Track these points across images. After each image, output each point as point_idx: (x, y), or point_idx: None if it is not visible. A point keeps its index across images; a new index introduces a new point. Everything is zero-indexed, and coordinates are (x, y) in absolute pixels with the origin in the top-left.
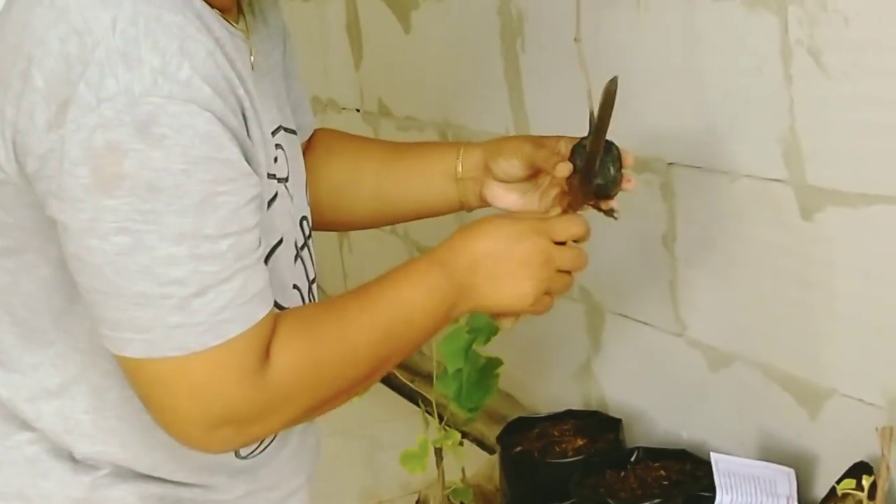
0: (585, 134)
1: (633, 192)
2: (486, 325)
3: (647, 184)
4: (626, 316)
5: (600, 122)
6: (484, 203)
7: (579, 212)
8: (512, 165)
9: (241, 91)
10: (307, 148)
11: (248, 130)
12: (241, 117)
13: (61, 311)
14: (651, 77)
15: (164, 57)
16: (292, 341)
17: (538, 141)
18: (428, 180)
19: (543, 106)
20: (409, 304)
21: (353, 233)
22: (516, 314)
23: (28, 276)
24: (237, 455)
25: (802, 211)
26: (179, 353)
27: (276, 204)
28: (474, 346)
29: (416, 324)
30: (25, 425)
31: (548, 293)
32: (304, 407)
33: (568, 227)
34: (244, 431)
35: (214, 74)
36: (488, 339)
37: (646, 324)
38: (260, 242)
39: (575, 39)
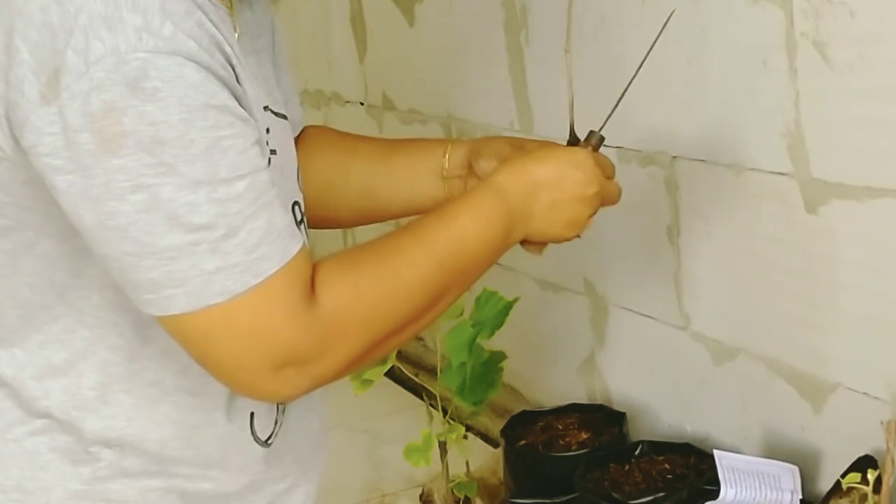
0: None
1: (637, 185)
2: (491, 318)
3: (651, 177)
4: (630, 309)
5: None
6: None
7: None
8: (491, 166)
9: (227, 49)
10: (297, 144)
11: (241, 86)
12: (231, 72)
13: (66, 285)
14: (655, 70)
15: (146, 16)
16: (339, 275)
17: (519, 143)
18: (415, 178)
19: (547, 99)
20: (464, 232)
21: (357, 228)
22: (563, 240)
23: (29, 253)
24: (257, 440)
25: (807, 204)
26: (222, 299)
27: (269, 170)
28: (478, 340)
29: (473, 253)
30: (31, 410)
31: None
32: (363, 342)
33: (609, 162)
34: (307, 371)
35: (197, 32)
36: (492, 333)
37: (650, 317)
38: (273, 181)
39: (565, 51)
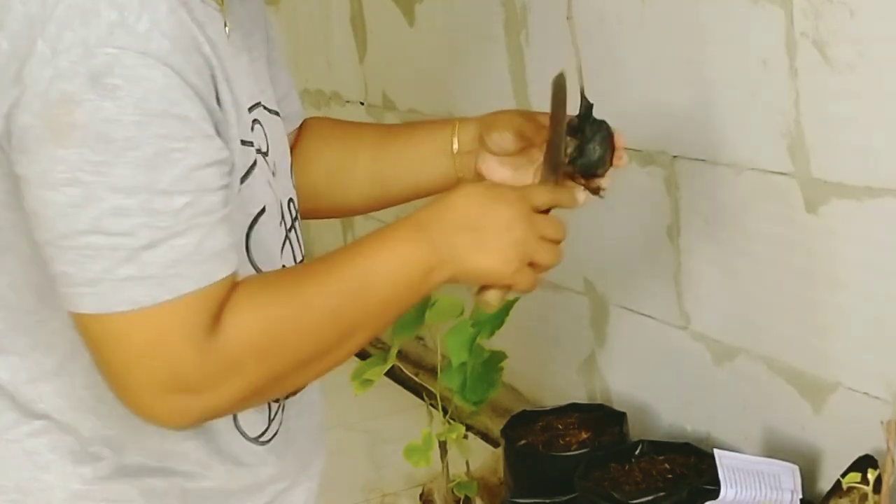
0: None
1: (637, 185)
2: (491, 318)
3: (651, 177)
4: (630, 309)
5: (553, 117)
6: (479, 177)
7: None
8: (504, 138)
9: (207, 50)
10: (299, 136)
11: (216, 91)
12: (207, 76)
13: (44, 287)
14: (655, 70)
15: (123, 11)
16: (245, 305)
17: (530, 115)
18: (423, 159)
19: (548, 99)
20: (379, 268)
21: (357, 222)
22: (500, 284)
23: (10, 254)
24: (247, 437)
25: (807, 204)
26: (128, 308)
27: (255, 172)
28: (479, 340)
29: (388, 290)
30: (29, 412)
31: (532, 265)
32: (261, 376)
33: (545, 193)
34: (199, 401)
35: (176, 30)
36: (493, 333)
37: (650, 317)
38: (226, 204)
39: (567, 18)
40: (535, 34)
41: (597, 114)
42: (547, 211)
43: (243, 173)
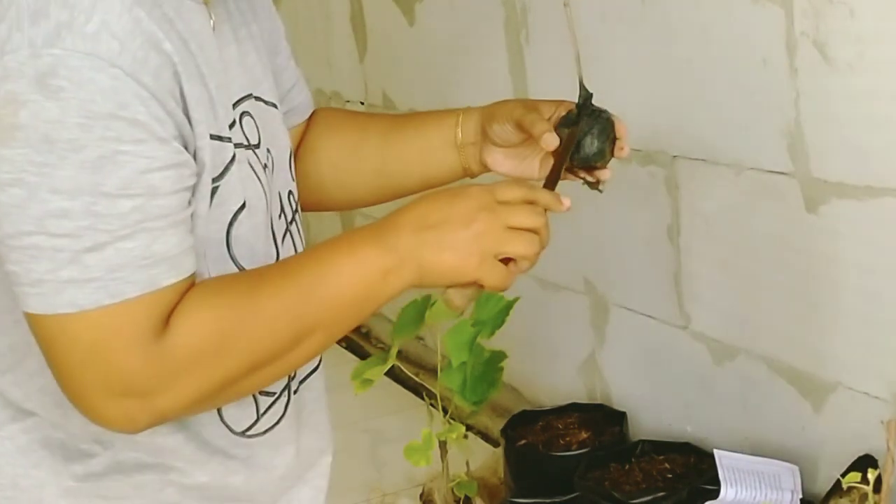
0: (577, 101)
1: (637, 185)
2: (491, 318)
3: (651, 177)
4: (630, 309)
5: (568, 142)
6: (485, 169)
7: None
8: (505, 130)
9: (168, 47)
10: (308, 127)
11: (181, 89)
12: (168, 75)
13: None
14: (656, 70)
15: (73, 11)
16: (196, 307)
17: (531, 104)
18: (429, 151)
19: (548, 98)
20: (334, 271)
21: (357, 222)
22: (465, 282)
23: None
24: (233, 432)
25: (807, 204)
26: (71, 310)
27: (233, 169)
28: (479, 340)
29: (343, 292)
30: (18, 410)
31: (506, 259)
32: (213, 378)
33: (514, 189)
34: (148, 405)
35: (130, 30)
36: (493, 333)
37: (650, 317)
38: (183, 208)
39: (564, 4)
40: (535, 34)
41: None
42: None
43: (219, 171)
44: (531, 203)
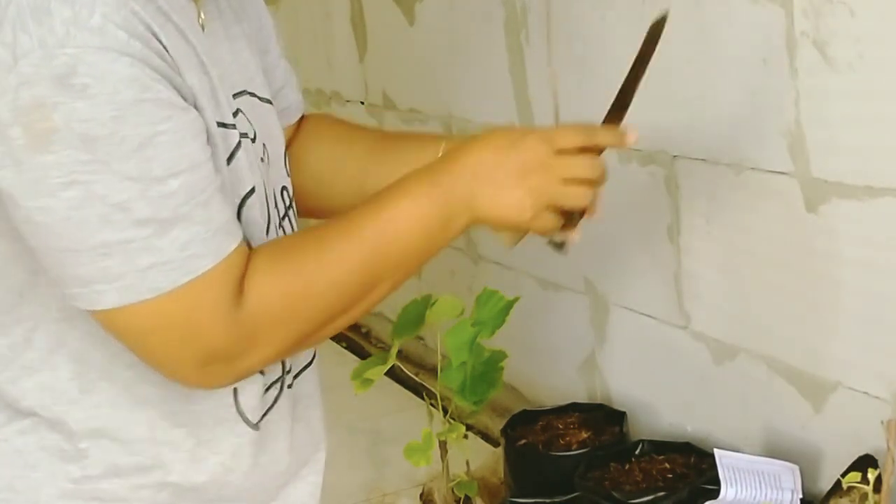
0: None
1: (638, 185)
2: (491, 318)
3: (651, 176)
4: (630, 308)
5: (641, 55)
6: None
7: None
8: None
9: (163, 38)
10: (297, 132)
11: (182, 79)
12: (169, 59)
13: (25, 283)
14: (656, 69)
15: (74, 7)
16: (266, 271)
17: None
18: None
19: (548, 98)
20: (397, 219)
21: None
22: (517, 228)
23: None
24: (245, 419)
25: (807, 203)
26: (153, 295)
27: (240, 154)
28: (479, 339)
29: (408, 240)
30: (15, 411)
31: (552, 208)
32: (291, 335)
33: (572, 134)
34: (234, 366)
35: (130, 20)
36: (493, 332)
37: (650, 316)
38: (216, 175)
39: (550, 76)
40: (535, 34)
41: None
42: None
43: (228, 154)
44: (588, 149)
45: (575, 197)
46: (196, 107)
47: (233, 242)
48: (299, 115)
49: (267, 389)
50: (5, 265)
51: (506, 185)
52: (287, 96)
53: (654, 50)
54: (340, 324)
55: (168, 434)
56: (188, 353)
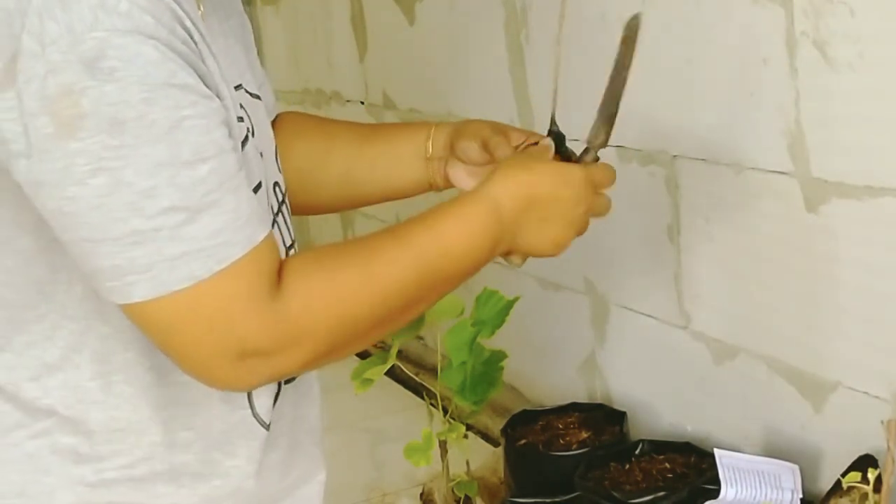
0: (555, 117)
1: (638, 185)
2: (491, 317)
3: (651, 176)
4: (630, 309)
5: (618, 63)
6: (448, 183)
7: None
8: (471, 147)
9: (188, 24)
10: (274, 130)
11: (204, 63)
12: (193, 46)
13: (45, 281)
14: (656, 69)
15: None
16: (311, 270)
17: (500, 128)
18: (398, 162)
19: (548, 98)
20: (449, 240)
21: (357, 222)
22: (548, 256)
23: (5, 252)
24: (259, 421)
25: (807, 203)
26: (186, 285)
27: (248, 147)
28: (479, 339)
29: (456, 261)
30: (33, 410)
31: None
32: (330, 339)
33: (608, 174)
34: (270, 363)
35: (156, 5)
36: (493, 332)
37: (650, 316)
38: (241, 165)
39: (556, 41)
40: (535, 34)
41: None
42: None
43: (239, 146)
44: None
45: (585, 226)
46: (218, 96)
47: (263, 231)
48: (275, 114)
49: (278, 391)
50: (27, 262)
51: (555, 223)
52: (266, 94)
53: (632, 54)
54: (377, 334)
55: (185, 434)
56: (223, 346)
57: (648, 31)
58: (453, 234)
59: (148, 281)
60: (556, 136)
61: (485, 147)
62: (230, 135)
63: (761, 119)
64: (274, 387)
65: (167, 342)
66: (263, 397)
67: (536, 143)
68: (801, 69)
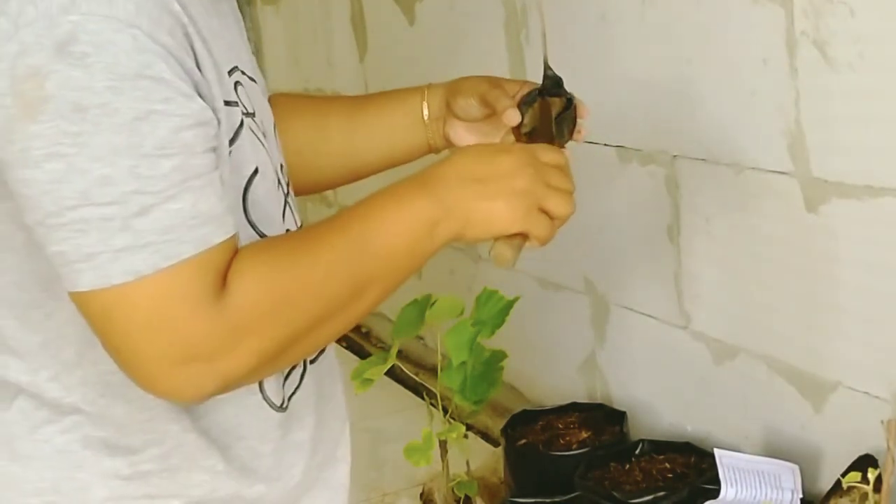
0: (542, 81)
1: (638, 185)
2: (491, 317)
3: (651, 176)
4: (630, 308)
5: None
6: (448, 143)
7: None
8: (469, 104)
9: (177, 8)
10: None
11: (193, 51)
12: (181, 36)
13: (48, 276)
14: (656, 69)
15: None
16: (251, 267)
17: (495, 81)
18: (395, 128)
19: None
20: (384, 222)
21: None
22: (511, 232)
23: (8, 249)
24: (270, 404)
25: (807, 203)
26: (128, 279)
27: (243, 133)
28: (479, 339)
29: (395, 244)
30: (58, 408)
31: (544, 210)
32: (276, 337)
33: (549, 150)
34: (214, 369)
35: None
36: (493, 332)
37: (650, 316)
38: (215, 167)
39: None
40: (536, 34)
41: (596, 114)
42: None
43: (231, 135)
44: (562, 169)
45: (560, 201)
46: (207, 82)
47: (221, 235)
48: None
49: (288, 375)
50: (26, 257)
51: (496, 182)
52: (259, 78)
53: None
54: (327, 331)
55: (204, 423)
56: (159, 348)
57: (648, 30)
58: (390, 219)
59: (91, 270)
60: (552, 80)
61: (483, 102)
62: (215, 135)
63: (761, 119)
64: (293, 368)
65: (108, 339)
66: (272, 380)
67: (531, 91)
68: (801, 69)
